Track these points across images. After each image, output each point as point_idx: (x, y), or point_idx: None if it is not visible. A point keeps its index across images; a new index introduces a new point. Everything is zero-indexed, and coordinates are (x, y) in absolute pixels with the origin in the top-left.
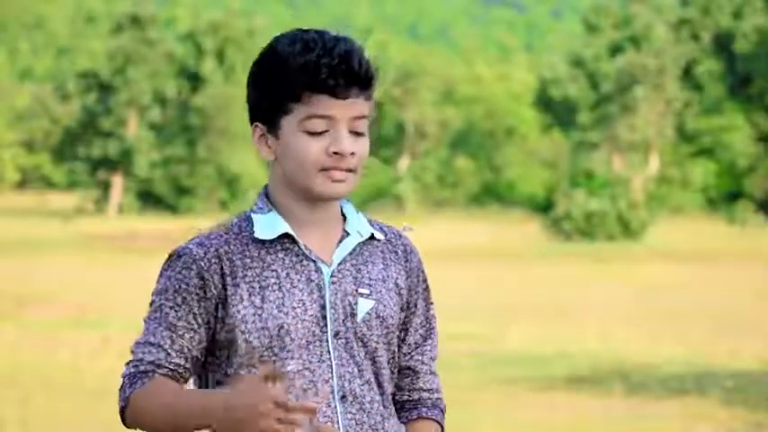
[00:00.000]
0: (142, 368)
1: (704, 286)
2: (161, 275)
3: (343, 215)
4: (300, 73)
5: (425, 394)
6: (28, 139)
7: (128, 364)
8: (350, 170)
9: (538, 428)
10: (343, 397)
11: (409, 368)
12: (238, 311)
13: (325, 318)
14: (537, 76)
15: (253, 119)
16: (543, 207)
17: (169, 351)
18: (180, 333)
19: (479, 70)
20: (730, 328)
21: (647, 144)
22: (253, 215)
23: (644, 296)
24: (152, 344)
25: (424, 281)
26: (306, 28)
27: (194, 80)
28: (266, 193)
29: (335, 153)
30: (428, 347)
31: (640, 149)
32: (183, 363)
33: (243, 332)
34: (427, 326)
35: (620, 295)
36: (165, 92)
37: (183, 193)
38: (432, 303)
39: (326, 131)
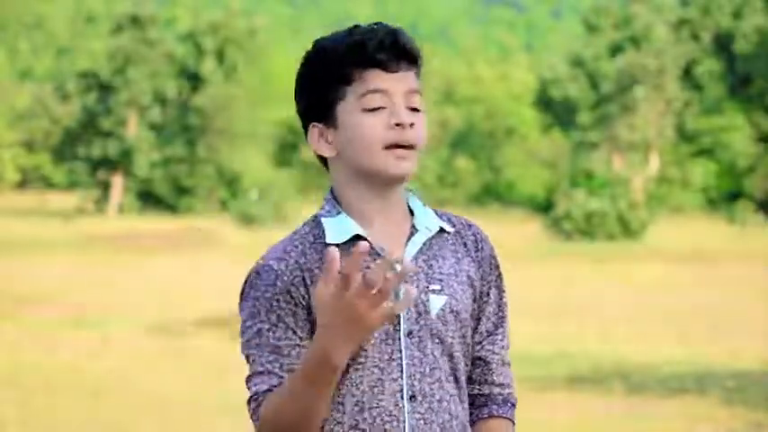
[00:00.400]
0: (261, 399)
1: (704, 286)
2: (246, 297)
3: (410, 210)
4: (348, 53)
5: (497, 389)
6: (28, 139)
7: (248, 402)
8: (411, 146)
9: (538, 428)
10: (413, 396)
11: (480, 359)
12: None
13: (397, 316)
14: (537, 76)
15: (306, 122)
16: (543, 207)
17: (281, 374)
18: (285, 353)
19: (479, 70)
20: (730, 328)
21: (647, 144)
22: (322, 219)
23: (644, 296)
24: (262, 373)
25: (497, 268)
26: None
27: (194, 80)
28: (332, 195)
29: (397, 125)
30: (499, 336)
31: (640, 149)
32: None
33: None
34: (499, 314)
35: (620, 295)
36: (165, 92)
37: (183, 193)
38: (504, 291)
39: (383, 108)
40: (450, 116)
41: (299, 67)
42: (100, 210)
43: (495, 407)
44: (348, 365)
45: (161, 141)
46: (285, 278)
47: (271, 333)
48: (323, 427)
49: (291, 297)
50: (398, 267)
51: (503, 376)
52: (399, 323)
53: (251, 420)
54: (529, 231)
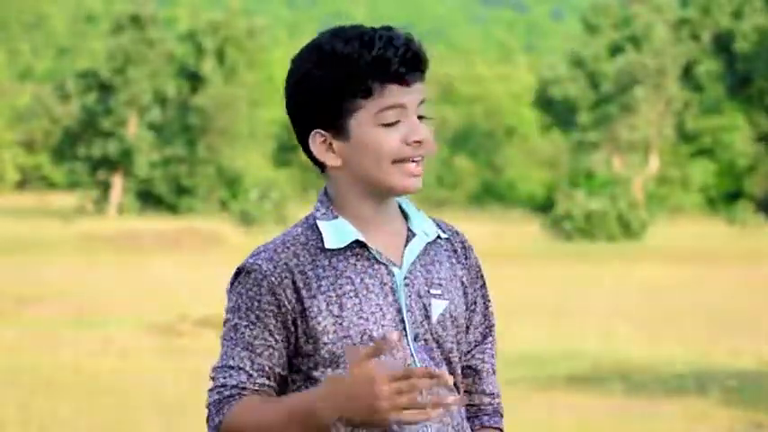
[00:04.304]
0: (227, 393)
1: (704, 286)
2: (231, 292)
3: (403, 213)
4: (371, 67)
5: (486, 399)
6: (28, 139)
7: (210, 391)
8: (420, 160)
9: (538, 428)
10: None
11: (470, 368)
12: (318, 323)
13: (402, 321)
14: (537, 76)
15: (309, 127)
16: (543, 207)
17: (251, 372)
18: (258, 351)
19: (479, 70)
20: (730, 328)
21: (647, 144)
22: (318, 222)
23: (644, 296)
24: (231, 367)
25: (482, 277)
26: (342, 25)
27: (194, 80)
28: (326, 197)
29: (416, 141)
30: (488, 345)
31: (640, 149)
32: (267, 382)
33: (326, 343)
34: (486, 323)
35: (620, 295)
36: (165, 92)
37: (183, 193)
38: (490, 301)
39: (398, 122)
40: (450, 116)
41: (302, 65)
42: (100, 210)
43: (485, 417)
44: None
45: (161, 141)
46: (272, 279)
47: (247, 330)
48: None
49: (276, 299)
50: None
51: (492, 386)
52: (405, 327)
53: (207, 409)
54: (529, 231)
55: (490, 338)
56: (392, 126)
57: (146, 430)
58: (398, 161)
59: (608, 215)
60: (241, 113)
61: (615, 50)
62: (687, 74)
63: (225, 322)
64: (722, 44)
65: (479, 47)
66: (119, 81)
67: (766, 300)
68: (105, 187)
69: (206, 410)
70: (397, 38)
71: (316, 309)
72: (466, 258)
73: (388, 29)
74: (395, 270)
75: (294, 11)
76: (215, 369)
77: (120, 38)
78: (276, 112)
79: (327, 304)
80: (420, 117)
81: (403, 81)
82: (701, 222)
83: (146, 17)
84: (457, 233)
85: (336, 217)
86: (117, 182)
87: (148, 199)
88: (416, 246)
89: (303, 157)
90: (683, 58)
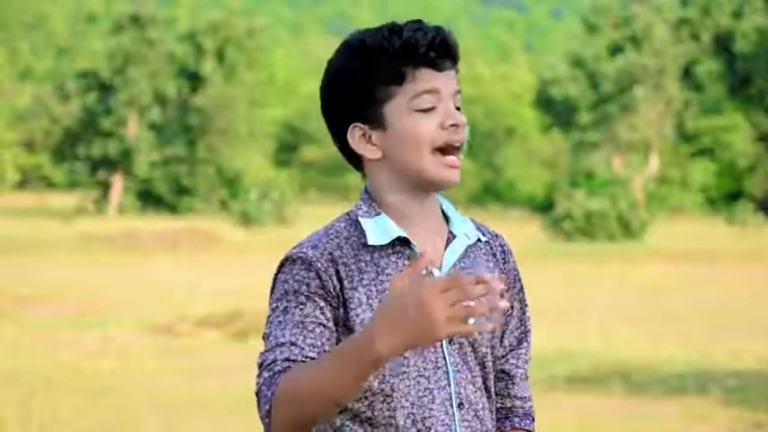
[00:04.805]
0: (278, 368)
1: (704, 286)
2: (276, 282)
3: (444, 214)
4: (401, 51)
5: (518, 402)
6: (28, 139)
7: (259, 373)
8: (459, 147)
9: (538, 428)
10: (460, 404)
11: (504, 372)
12: (357, 315)
13: None
14: (537, 76)
15: (346, 122)
16: (543, 207)
17: (302, 345)
18: (309, 328)
19: (479, 70)
20: (730, 328)
21: (647, 144)
22: (361, 219)
23: (644, 296)
24: (282, 344)
25: (520, 281)
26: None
27: (194, 80)
28: (368, 195)
29: (452, 125)
30: (523, 351)
31: (640, 149)
32: (314, 357)
33: None
34: (522, 328)
35: (620, 295)
36: (165, 92)
37: (183, 192)
38: (527, 305)
39: (434, 108)
40: None
41: (336, 62)
42: (100, 210)
43: (516, 419)
44: (386, 376)
45: (161, 141)
46: (318, 265)
47: (297, 310)
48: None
49: (323, 283)
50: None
51: (524, 390)
52: None
53: (256, 395)
54: (529, 231)
55: (525, 344)
56: (428, 112)
57: (145, 430)
58: (438, 149)
59: (608, 215)
60: (241, 113)
61: (615, 50)
62: (687, 74)
63: (271, 313)
64: (722, 44)
65: (479, 47)
66: (119, 81)
67: (766, 300)
68: (105, 187)
69: (255, 397)
70: (427, 25)
71: (357, 300)
72: (504, 262)
73: (419, 21)
74: (434, 271)
75: (295, 10)
76: (263, 353)
77: (120, 38)
78: (276, 112)
79: (368, 297)
80: (457, 108)
81: (434, 65)
82: (701, 222)
83: (146, 17)
84: (496, 236)
85: (379, 214)
86: (117, 182)
87: (148, 199)
88: (457, 247)
89: (303, 157)
90: (682, 58)
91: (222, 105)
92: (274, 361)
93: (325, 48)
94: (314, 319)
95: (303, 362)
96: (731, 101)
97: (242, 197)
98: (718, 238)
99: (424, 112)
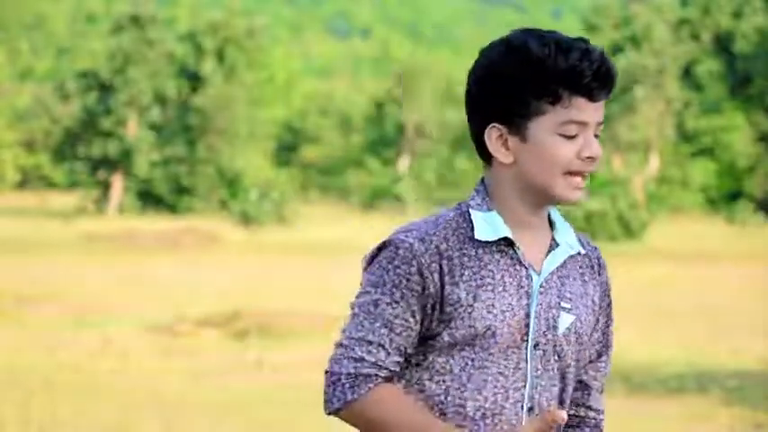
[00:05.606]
0: (365, 370)
1: (704, 286)
2: (375, 265)
3: (550, 222)
4: (565, 76)
5: (592, 413)
6: (28, 139)
7: (343, 359)
8: (587, 175)
9: None
10: (531, 408)
11: (581, 382)
12: (455, 309)
13: (527, 326)
14: None
15: (488, 120)
16: None
17: (389, 350)
18: (398, 331)
19: None
20: (730, 328)
21: (647, 144)
22: (472, 211)
23: (644, 296)
24: (371, 342)
25: (609, 296)
26: (533, 27)
27: (194, 80)
28: (484, 188)
29: (589, 158)
30: (602, 364)
31: (640, 149)
32: (399, 360)
33: (451, 329)
34: (604, 341)
35: (620, 295)
36: (165, 92)
37: (183, 192)
38: (612, 320)
39: (576, 136)
40: (451, 116)
41: (490, 56)
42: (100, 210)
43: (587, 429)
44: (467, 365)
45: (161, 141)
46: (422, 260)
47: (389, 308)
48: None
49: (423, 280)
50: None
51: (598, 403)
52: (528, 333)
53: (331, 374)
54: None
55: (605, 357)
56: (571, 139)
57: (145, 430)
58: (568, 173)
59: (608, 215)
60: (241, 113)
61: (615, 50)
62: (687, 74)
63: (363, 294)
64: (722, 44)
65: (479, 47)
66: (119, 81)
67: (766, 300)
68: (105, 187)
69: (330, 376)
70: (594, 51)
71: (455, 296)
72: (599, 275)
73: (585, 41)
74: (534, 275)
75: (295, 10)
76: (350, 339)
77: (120, 38)
78: (276, 111)
79: (467, 293)
80: (595, 136)
81: (592, 96)
82: (701, 222)
83: (146, 17)
84: (594, 248)
85: (491, 210)
86: (117, 182)
87: (148, 199)
88: (559, 256)
89: (303, 157)
90: (683, 58)
91: (222, 105)
92: (362, 359)
93: (325, 48)
94: (403, 322)
95: (388, 370)
96: (731, 101)
97: (242, 197)
98: (718, 237)
99: (566, 137)
